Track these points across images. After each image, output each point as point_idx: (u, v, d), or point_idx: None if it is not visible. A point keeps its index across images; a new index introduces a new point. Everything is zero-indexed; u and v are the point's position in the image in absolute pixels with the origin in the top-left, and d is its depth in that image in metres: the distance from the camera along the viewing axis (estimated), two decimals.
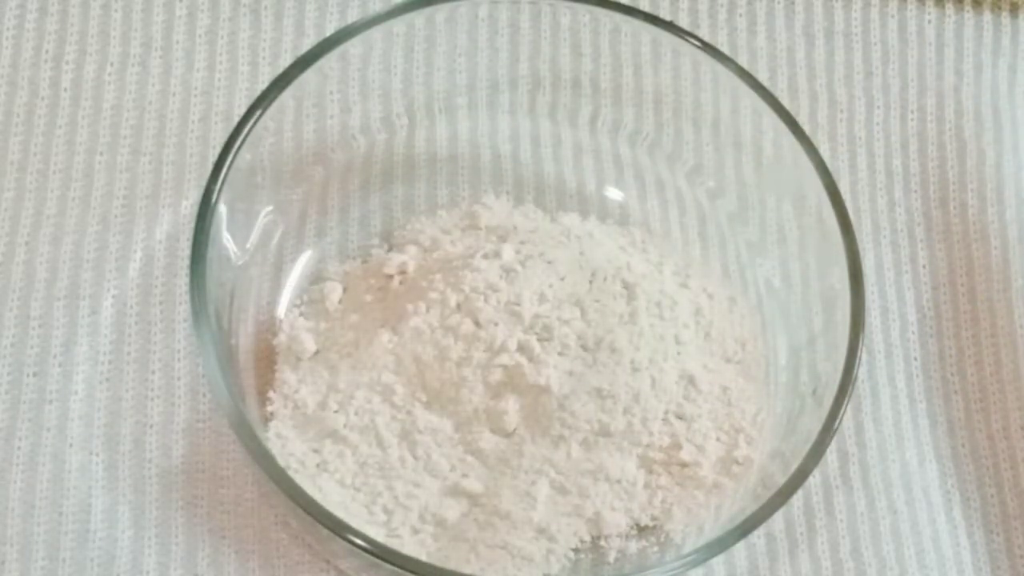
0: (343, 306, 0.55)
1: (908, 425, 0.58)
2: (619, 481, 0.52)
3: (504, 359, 0.51)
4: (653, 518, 0.53)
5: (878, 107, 0.63)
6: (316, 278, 0.57)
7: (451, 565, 0.51)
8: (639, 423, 0.52)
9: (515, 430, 0.52)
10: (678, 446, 0.53)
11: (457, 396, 0.52)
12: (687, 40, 0.56)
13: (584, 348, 0.52)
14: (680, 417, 0.53)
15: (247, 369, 0.54)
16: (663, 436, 0.53)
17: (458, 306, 0.52)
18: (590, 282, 0.54)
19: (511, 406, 0.51)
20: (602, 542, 0.53)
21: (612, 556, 0.52)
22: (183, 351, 0.56)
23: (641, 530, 0.53)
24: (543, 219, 0.58)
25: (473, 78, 0.60)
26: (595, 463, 0.52)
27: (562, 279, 0.53)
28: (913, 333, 0.60)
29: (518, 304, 0.52)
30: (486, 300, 0.52)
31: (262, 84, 0.59)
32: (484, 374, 0.51)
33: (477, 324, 0.52)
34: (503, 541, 0.51)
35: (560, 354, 0.52)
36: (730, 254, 0.59)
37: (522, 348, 0.52)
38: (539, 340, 0.52)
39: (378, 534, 0.51)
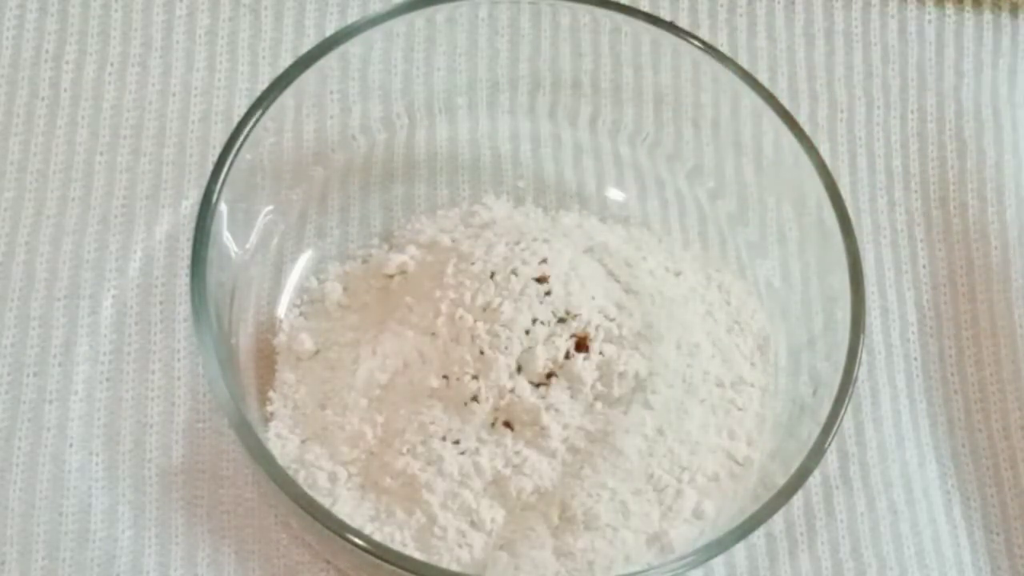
0: (343, 306, 0.55)
1: (908, 425, 0.58)
2: (633, 509, 0.52)
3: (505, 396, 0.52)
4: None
5: (878, 107, 0.63)
6: (316, 278, 0.57)
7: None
8: (659, 439, 0.53)
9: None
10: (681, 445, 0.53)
11: (461, 401, 0.52)
12: (687, 40, 0.56)
13: (621, 345, 0.52)
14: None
15: (247, 369, 0.54)
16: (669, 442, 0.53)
17: (465, 307, 0.52)
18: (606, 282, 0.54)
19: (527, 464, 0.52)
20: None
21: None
22: (183, 351, 0.56)
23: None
24: (543, 219, 0.58)
25: (473, 78, 0.60)
26: (616, 498, 0.52)
27: (583, 285, 0.53)
28: (913, 333, 0.60)
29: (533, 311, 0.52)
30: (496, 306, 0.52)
31: (262, 84, 0.59)
32: (488, 395, 0.52)
33: (489, 332, 0.52)
34: (515, 550, 0.51)
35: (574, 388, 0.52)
36: (730, 254, 0.59)
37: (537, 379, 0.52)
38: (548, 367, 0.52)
39: (376, 533, 0.51)
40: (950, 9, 0.64)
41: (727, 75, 0.56)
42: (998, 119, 0.63)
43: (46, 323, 0.55)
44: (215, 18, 0.60)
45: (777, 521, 0.55)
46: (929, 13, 0.64)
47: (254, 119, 0.52)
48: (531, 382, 0.52)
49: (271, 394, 0.54)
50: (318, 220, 0.58)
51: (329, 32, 0.59)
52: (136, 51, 0.60)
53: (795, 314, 0.56)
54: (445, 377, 0.52)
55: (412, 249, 0.56)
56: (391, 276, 0.56)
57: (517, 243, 0.54)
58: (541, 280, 0.52)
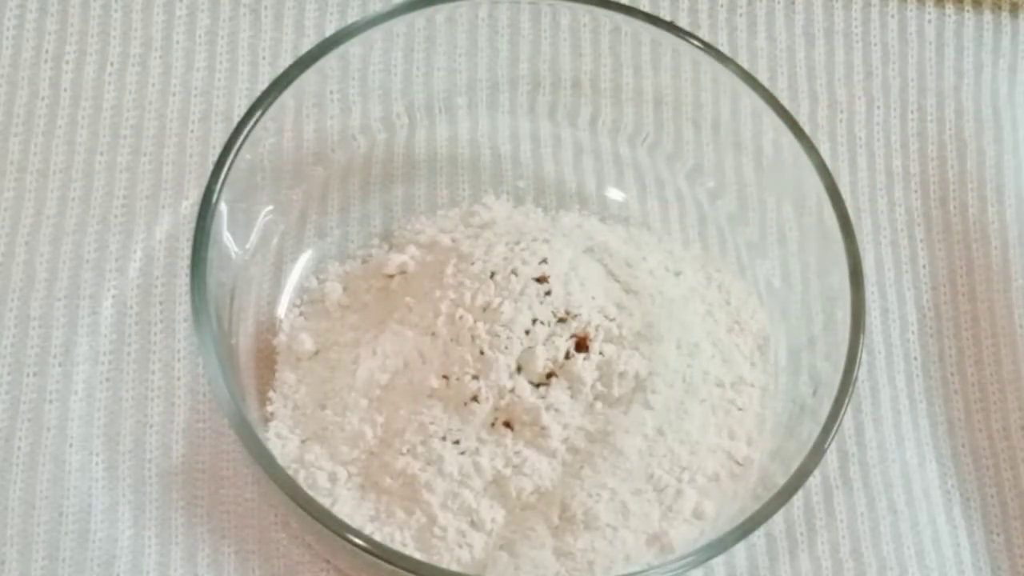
0: (343, 306, 0.55)
1: (908, 425, 0.58)
2: (633, 509, 0.52)
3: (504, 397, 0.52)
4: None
5: (878, 107, 0.63)
6: (316, 278, 0.57)
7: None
8: (660, 439, 0.53)
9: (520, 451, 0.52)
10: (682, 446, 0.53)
11: (461, 401, 0.52)
12: (687, 40, 0.56)
13: (620, 345, 0.52)
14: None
15: (247, 369, 0.54)
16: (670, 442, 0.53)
17: (465, 307, 0.52)
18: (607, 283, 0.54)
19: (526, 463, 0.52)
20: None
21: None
22: (183, 351, 0.56)
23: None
24: (543, 219, 0.58)
25: (473, 78, 0.60)
26: (615, 499, 0.52)
27: (582, 284, 0.53)
28: (913, 333, 0.60)
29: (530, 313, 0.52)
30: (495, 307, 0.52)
31: (262, 84, 0.59)
32: (488, 395, 0.51)
33: (489, 333, 0.52)
34: (515, 550, 0.51)
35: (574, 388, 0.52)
36: (730, 254, 0.59)
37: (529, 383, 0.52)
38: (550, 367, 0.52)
39: (376, 533, 0.51)
40: (950, 9, 0.64)
41: (727, 75, 0.56)
42: (998, 119, 0.63)
43: (46, 323, 0.55)
44: (215, 18, 0.60)
45: (777, 521, 0.55)
46: (929, 13, 0.64)
47: (254, 119, 0.52)
48: (531, 382, 0.52)
49: (271, 394, 0.54)
50: (318, 220, 0.58)
51: (329, 32, 0.59)
52: (136, 51, 0.60)
53: (795, 314, 0.56)
54: (445, 377, 0.52)
55: (412, 249, 0.56)
56: (391, 276, 0.56)
57: (517, 243, 0.54)
58: (541, 280, 0.52)
